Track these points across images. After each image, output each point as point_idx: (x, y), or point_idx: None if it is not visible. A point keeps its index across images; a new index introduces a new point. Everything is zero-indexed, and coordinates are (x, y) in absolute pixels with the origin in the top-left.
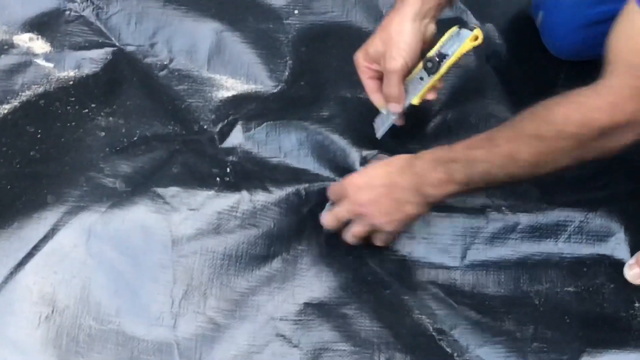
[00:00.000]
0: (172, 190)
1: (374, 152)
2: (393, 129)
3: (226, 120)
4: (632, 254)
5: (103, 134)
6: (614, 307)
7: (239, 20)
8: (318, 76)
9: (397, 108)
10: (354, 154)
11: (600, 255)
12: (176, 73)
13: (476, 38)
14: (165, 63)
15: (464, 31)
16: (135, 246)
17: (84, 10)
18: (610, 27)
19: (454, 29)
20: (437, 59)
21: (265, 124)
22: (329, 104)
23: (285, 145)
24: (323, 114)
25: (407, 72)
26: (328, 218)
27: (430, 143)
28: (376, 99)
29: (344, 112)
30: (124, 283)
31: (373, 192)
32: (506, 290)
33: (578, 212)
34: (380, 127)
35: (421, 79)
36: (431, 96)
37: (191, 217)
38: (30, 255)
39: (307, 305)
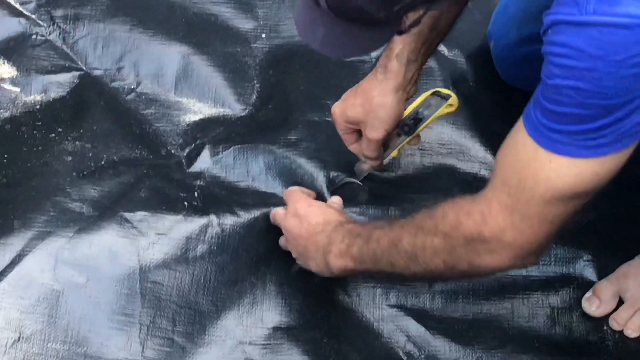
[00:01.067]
0: (140, 214)
1: (342, 175)
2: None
3: (193, 145)
4: (600, 276)
5: (70, 158)
6: (584, 330)
7: (206, 44)
8: (286, 100)
9: (374, 164)
10: (322, 178)
11: (569, 277)
12: (143, 97)
13: (452, 105)
14: (132, 87)
15: (440, 97)
16: (103, 271)
17: (50, 34)
18: None
19: (429, 93)
20: (412, 122)
21: (232, 147)
22: (297, 127)
23: (253, 169)
24: (291, 138)
25: (387, 137)
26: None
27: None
28: (355, 149)
29: (311, 136)
30: (91, 308)
31: (296, 235)
32: (475, 314)
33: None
34: (361, 173)
35: (398, 135)
36: (414, 142)
37: (159, 242)
38: None
39: (275, 329)
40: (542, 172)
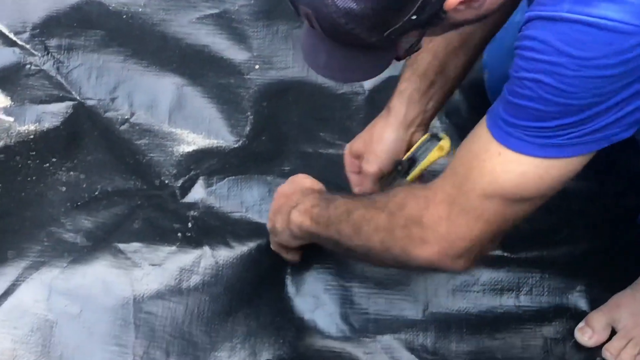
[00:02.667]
0: (134, 245)
1: None
2: None
3: (187, 176)
4: (593, 306)
5: (64, 188)
6: None
7: (200, 75)
8: (279, 131)
9: None
10: None
11: (562, 308)
12: (137, 127)
13: (442, 148)
14: (126, 117)
15: (434, 140)
16: (97, 302)
17: (44, 64)
18: None
19: (426, 136)
20: (407, 164)
21: (227, 179)
22: (290, 158)
23: (247, 200)
24: (284, 169)
25: (381, 175)
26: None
27: None
28: (354, 183)
29: (305, 167)
30: (85, 339)
31: (280, 193)
32: (468, 344)
33: (539, 266)
34: None
35: (394, 179)
36: None
37: (153, 273)
38: None
39: None
40: (489, 164)
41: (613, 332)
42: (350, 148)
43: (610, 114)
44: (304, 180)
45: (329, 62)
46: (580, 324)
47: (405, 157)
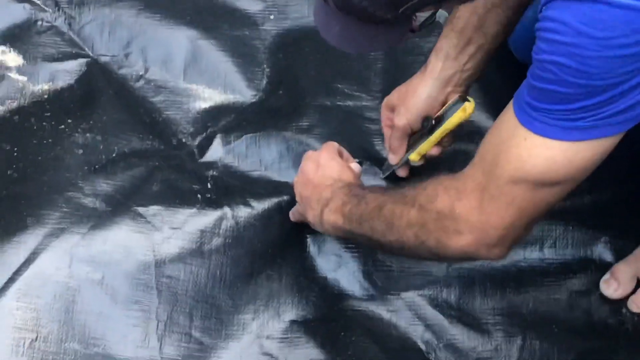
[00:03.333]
0: (153, 209)
1: (355, 161)
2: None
3: (205, 134)
4: (618, 258)
5: (81, 151)
6: (602, 314)
7: (215, 28)
8: (296, 84)
9: (393, 159)
10: None
11: (587, 260)
12: (152, 84)
13: (465, 110)
14: (140, 74)
15: (460, 102)
16: (118, 267)
17: (55, 20)
18: None
19: (456, 97)
20: (433, 122)
21: (244, 136)
22: (309, 113)
23: (266, 158)
24: (303, 124)
25: (411, 131)
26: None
27: None
28: (386, 135)
29: (323, 122)
30: (108, 305)
31: (307, 179)
32: (493, 300)
33: (562, 217)
34: (387, 170)
35: (421, 137)
36: (435, 151)
37: (174, 236)
38: (11, 280)
39: (293, 322)
40: (515, 150)
41: (639, 284)
42: (386, 100)
43: (635, 94)
44: (331, 167)
45: (343, 35)
46: (606, 276)
47: (435, 116)
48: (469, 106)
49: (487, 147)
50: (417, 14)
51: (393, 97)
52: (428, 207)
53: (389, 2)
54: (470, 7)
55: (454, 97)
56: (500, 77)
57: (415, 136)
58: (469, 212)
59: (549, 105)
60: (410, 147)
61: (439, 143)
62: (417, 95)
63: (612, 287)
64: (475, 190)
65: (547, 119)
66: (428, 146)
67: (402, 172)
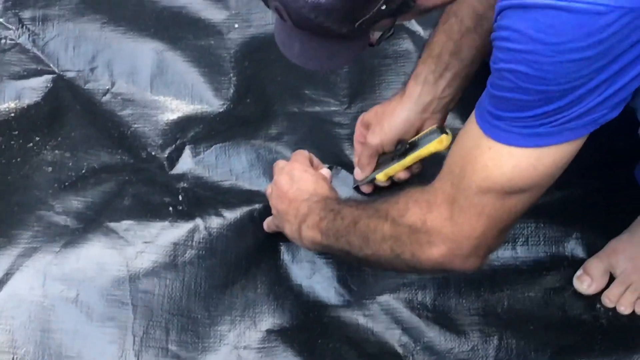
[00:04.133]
0: (125, 224)
1: (325, 166)
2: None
3: (174, 145)
4: (590, 253)
5: (50, 168)
6: (577, 310)
7: (179, 38)
8: (263, 92)
9: (358, 175)
10: None
11: (559, 257)
12: (119, 97)
13: (441, 142)
14: (107, 88)
15: (438, 132)
16: (93, 284)
17: (19, 37)
18: None
19: (434, 127)
20: (407, 146)
21: (214, 146)
22: (277, 120)
23: (236, 168)
24: (272, 132)
25: (382, 151)
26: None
27: None
28: (356, 151)
29: (292, 128)
30: (83, 323)
31: (283, 193)
32: (468, 300)
33: (534, 214)
34: (357, 183)
35: (392, 159)
36: (402, 175)
37: (147, 251)
38: None
39: (269, 332)
40: (481, 160)
41: (612, 278)
42: (362, 117)
43: (594, 97)
44: (306, 180)
45: (303, 52)
46: (578, 272)
47: (409, 140)
48: (446, 139)
49: (454, 159)
50: (374, 28)
51: (370, 114)
52: (400, 220)
53: (344, 17)
54: (446, 32)
55: (432, 126)
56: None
57: (385, 156)
58: (440, 223)
59: (509, 113)
60: (379, 166)
61: (408, 167)
62: (393, 117)
63: (585, 282)
64: (445, 202)
65: (509, 127)
66: (397, 169)
67: (366, 189)
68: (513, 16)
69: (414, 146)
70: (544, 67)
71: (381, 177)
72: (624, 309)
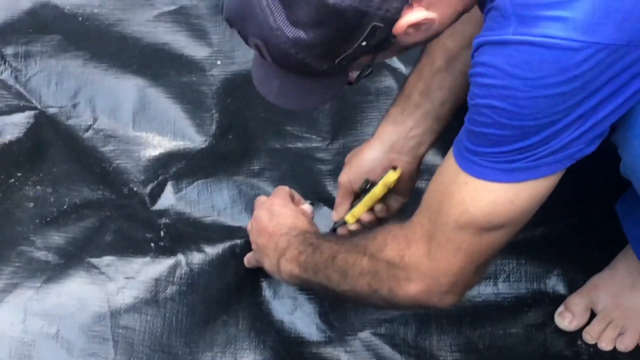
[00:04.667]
0: (107, 259)
1: (307, 202)
2: None
3: (156, 181)
4: (571, 289)
5: (32, 204)
6: (558, 346)
7: (162, 75)
8: (246, 128)
9: (334, 216)
10: None
11: (540, 293)
12: (101, 133)
13: (387, 178)
14: (89, 124)
15: (391, 170)
16: (73, 320)
17: (1, 73)
18: None
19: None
20: (367, 186)
21: (196, 182)
22: (259, 156)
23: (218, 203)
24: (254, 168)
25: (353, 191)
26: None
27: None
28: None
29: (274, 165)
30: (64, 359)
31: (262, 228)
32: (449, 336)
33: (515, 251)
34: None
35: (360, 199)
36: (366, 218)
37: (128, 286)
38: None
39: None
40: (458, 195)
41: (593, 314)
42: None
43: (570, 132)
44: (285, 215)
45: (282, 90)
46: (560, 309)
47: (372, 181)
48: (391, 174)
49: (432, 195)
50: (354, 64)
51: (349, 154)
52: (378, 255)
53: (325, 54)
54: (418, 72)
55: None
56: None
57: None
58: (418, 259)
59: (486, 148)
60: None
61: (371, 209)
62: (362, 156)
63: (566, 319)
64: (423, 238)
65: (486, 162)
66: (360, 210)
67: (340, 230)
68: (490, 52)
69: (372, 186)
70: (519, 102)
71: (349, 218)
72: (605, 345)
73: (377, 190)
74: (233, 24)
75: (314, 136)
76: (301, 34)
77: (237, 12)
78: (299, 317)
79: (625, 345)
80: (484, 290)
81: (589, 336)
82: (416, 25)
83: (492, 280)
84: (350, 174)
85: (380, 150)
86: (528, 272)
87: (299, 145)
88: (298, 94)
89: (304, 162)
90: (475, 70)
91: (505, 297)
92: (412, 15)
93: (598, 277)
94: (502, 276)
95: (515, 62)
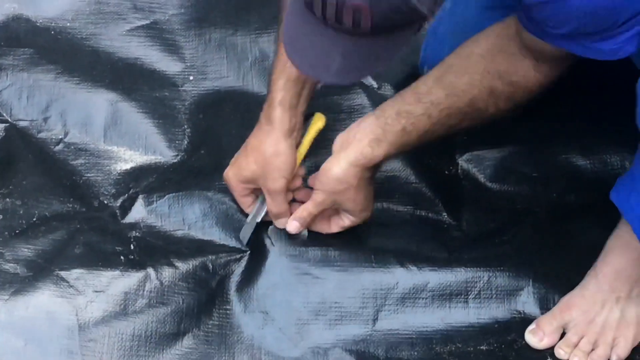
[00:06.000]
0: (76, 272)
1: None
2: None
3: (127, 195)
4: (542, 307)
5: (0, 216)
6: None
7: (134, 90)
8: (218, 144)
9: (285, 223)
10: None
11: (511, 310)
12: (72, 147)
13: (317, 121)
14: (60, 137)
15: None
16: (41, 333)
17: None
18: None
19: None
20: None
21: (167, 196)
22: None
23: (189, 217)
24: (225, 183)
25: (288, 187)
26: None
27: None
28: (251, 210)
29: None
30: None
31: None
32: (420, 352)
33: (486, 268)
34: (247, 235)
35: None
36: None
37: (97, 300)
38: None
39: None
40: None
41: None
42: (239, 175)
43: None
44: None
45: (345, 64)
46: (531, 326)
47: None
48: (318, 118)
49: None
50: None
51: (249, 167)
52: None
53: None
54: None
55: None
56: None
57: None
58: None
59: None
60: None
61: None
62: (280, 153)
63: (537, 336)
64: None
65: None
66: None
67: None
68: None
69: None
70: None
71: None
72: None
73: (306, 143)
74: None
75: None
76: None
77: None
78: (269, 331)
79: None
80: (455, 307)
81: (562, 351)
82: None
83: (463, 296)
84: (284, 173)
85: (288, 138)
86: (499, 289)
87: None
88: (364, 62)
89: None
90: None
91: (476, 314)
92: None
93: (570, 296)
94: (472, 293)
95: None
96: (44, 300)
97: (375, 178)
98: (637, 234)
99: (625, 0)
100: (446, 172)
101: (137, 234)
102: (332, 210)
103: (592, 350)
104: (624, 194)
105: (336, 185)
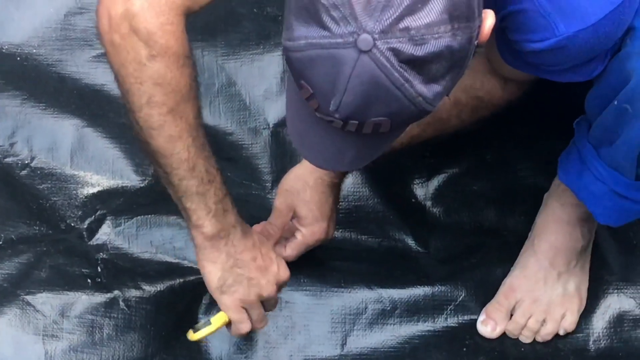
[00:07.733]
0: (42, 296)
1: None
2: None
3: (94, 216)
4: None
5: None
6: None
7: (100, 115)
8: None
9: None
10: None
11: (479, 333)
12: (38, 172)
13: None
14: (26, 162)
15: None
16: (6, 359)
17: None
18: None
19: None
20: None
21: (135, 218)
22: None
23: (157, 239)
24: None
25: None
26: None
27: None
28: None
29: None
30: None
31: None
32: None
33: (454, 291)
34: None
35: None
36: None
37: (63, 325)
38: None
39: None
40: None
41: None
42: None
43: None
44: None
45: (358, 156)
46: (481, 317)
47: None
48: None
49: None
50: None
51: None
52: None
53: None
54: None
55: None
56: None
57: None
58: None
59: None
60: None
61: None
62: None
63: (489, 326)
64: None
65: None
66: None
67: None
68: None
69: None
70: None
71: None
72: (526, 338)
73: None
74: (350, 119)
75: (253, 184)
76: (437, 87)
77: (360, 103)
78: (237, 356)
79: (543, 336)
80: (423, 330)
81: (510, 333)
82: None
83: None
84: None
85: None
86: (468, 311)
87: (240, 191)
88: (377, 150)
89: (243, 208)
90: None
91: (444, 337)
92: (489, 20)
93: (511, 278)
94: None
95: None
96: (9, 326)
97: (341, 206)
98: (592, 210)
99: (610, 38)
100: (413, 200)
101: (105, 255)
102: (288, 232)
103: (542, 326)
104: (574, 174)
105: (294, 183)
